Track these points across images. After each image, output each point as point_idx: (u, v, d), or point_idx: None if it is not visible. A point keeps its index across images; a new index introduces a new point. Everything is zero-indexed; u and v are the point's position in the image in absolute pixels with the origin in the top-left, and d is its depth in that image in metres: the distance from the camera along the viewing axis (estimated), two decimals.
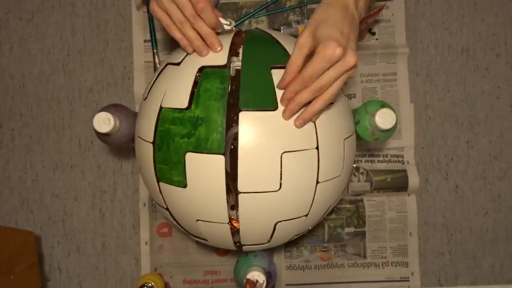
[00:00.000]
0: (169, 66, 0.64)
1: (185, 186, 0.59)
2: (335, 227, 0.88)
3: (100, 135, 0.71)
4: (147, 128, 0.62)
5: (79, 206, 0.91)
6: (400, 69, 0.90)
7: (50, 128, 0.92)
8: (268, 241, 0.66)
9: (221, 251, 0.89)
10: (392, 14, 0.91)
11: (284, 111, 0.57)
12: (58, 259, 0.91)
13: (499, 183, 0.91)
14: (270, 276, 0.70)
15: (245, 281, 0.67)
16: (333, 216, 0.88)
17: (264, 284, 0.66)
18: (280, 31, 0.87)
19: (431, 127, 0.91)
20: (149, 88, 0.66)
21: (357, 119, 0.71)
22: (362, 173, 0.88)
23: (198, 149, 0.57)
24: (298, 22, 0.88)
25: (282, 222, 0.62)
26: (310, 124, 0.58)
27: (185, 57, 0.63)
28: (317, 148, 0.59)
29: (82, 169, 0.91)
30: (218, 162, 0.57)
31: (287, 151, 0.57)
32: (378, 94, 0.89)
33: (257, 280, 0.66)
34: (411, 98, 0.91)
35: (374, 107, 0.69)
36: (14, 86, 0.92)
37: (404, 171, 0.88)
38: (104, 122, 0.66)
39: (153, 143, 0.61)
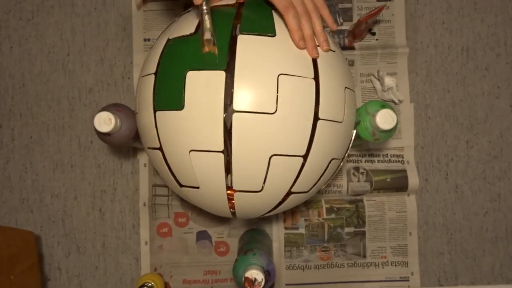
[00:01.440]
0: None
1: (182, 107, 0.58)
2: (335, 227, 0.88)
3: (101, 135, 0.71)
4: (150, 62, 0.63)
5: (79, 206, 0.91)
6: (400, 69, 0.90)
7: (50, 128, 0.92)
8: (262, 188, 0.61)
9: (221, 251, 0.89)
10: (392, 14, 0.91)
11: (308, 51, 0.60)
12: (58, 259, 0.91)
13: (499, 183, 0.91)
14: (269, 274, 0.70)
15: (243, 279, 0.66)
16: (333, 216, 0.88)
17: (263, 283, 0.66)
18: None
19: (431, 127, 0.91)
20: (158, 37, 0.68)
21: (357, 119, 0.71)
22: (362, 173, 0.88)
23: (199, 67, 0.58)
24: None
25: (278, 156, 0.59)
26: (308, 56, 0.60)
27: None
28: (315, 78, 0.59)
29: (82, 169, 0.91)
30: (218, 78, 0.57)
31: (284, 74, 0.57)
32: (378, 93, 0.89)
33: (255, 279, 0.66)
34: (411, 98, 0.91)
35: (375, 107, 0.69)
36: (14, 86, 0.92)
37: (404, 171, 0.88)
38: (105, 121, 0.66)
39: (155, 73, 0.61)
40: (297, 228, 0.88)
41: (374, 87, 0.90)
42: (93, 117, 0.66)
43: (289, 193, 0.63)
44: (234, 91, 0.56)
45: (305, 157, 0.60)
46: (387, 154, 0.89)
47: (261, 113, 0.57)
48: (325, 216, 0.88)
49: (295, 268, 0.88)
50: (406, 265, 0.88)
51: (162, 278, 0.86)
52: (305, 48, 0.59)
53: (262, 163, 0.59)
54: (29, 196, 0.92)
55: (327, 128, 0.60)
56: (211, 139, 0.58)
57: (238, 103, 0.56)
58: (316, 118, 0.59)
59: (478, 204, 0.91)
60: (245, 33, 0.58)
